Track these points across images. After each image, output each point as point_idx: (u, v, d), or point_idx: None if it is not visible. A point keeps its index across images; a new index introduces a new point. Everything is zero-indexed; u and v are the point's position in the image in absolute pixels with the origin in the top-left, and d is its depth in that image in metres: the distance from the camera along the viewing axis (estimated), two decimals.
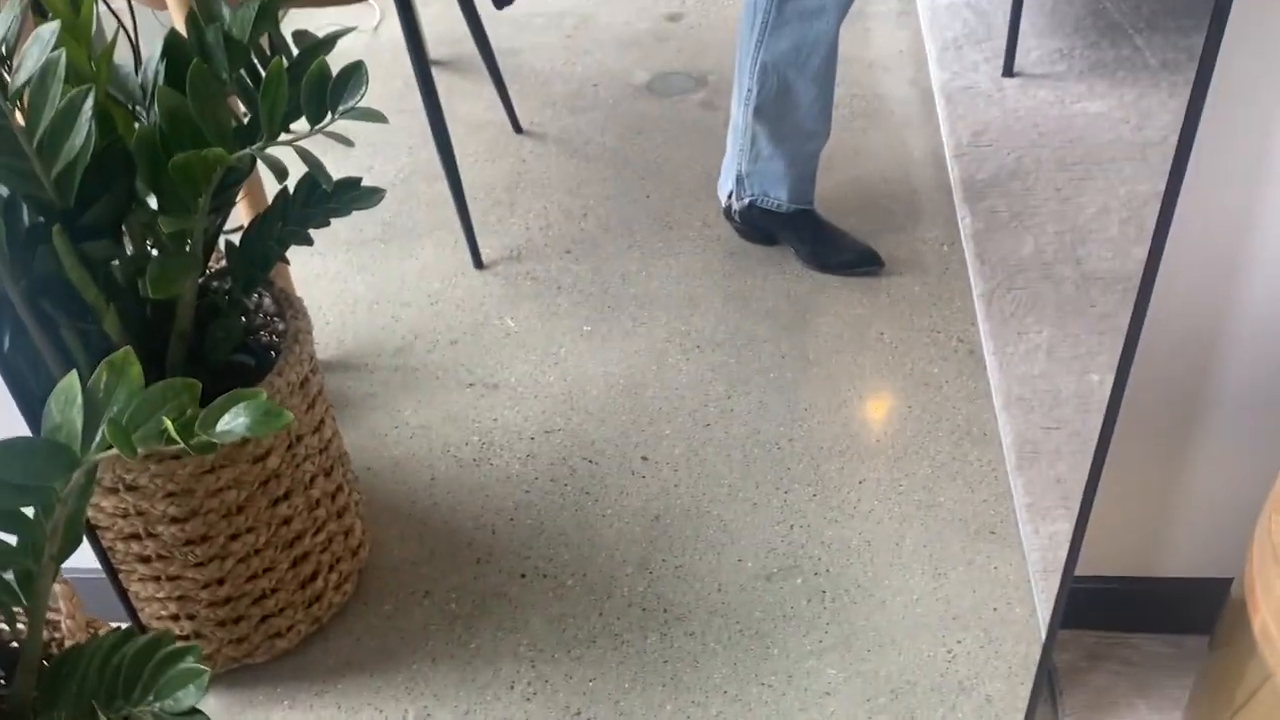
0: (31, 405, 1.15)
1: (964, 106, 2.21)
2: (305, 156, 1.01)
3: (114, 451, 0.80)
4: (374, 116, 1.03)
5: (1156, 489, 1.28)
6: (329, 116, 1.03)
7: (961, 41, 2.36)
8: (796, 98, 1.83)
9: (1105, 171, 2.06)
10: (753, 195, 1.93)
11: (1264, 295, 1.10)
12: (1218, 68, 0.93)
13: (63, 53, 1.02)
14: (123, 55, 1.94)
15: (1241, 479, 1.23)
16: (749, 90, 1.83)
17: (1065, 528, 1.49)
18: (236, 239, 1.28)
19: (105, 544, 1.26)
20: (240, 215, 1.59)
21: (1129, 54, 2.32)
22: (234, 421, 0.77)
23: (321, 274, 1.98)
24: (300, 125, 1.13)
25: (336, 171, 1.12)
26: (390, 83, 2.35)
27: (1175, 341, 1.15)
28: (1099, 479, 1.24)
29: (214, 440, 0.77)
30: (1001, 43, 2.27)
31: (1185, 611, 1.37)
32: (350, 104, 1.02)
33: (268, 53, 1.23)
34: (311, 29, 1.24)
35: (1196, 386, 1.18)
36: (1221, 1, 0.90)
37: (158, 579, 1.31)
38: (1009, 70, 2.27)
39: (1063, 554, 1.35)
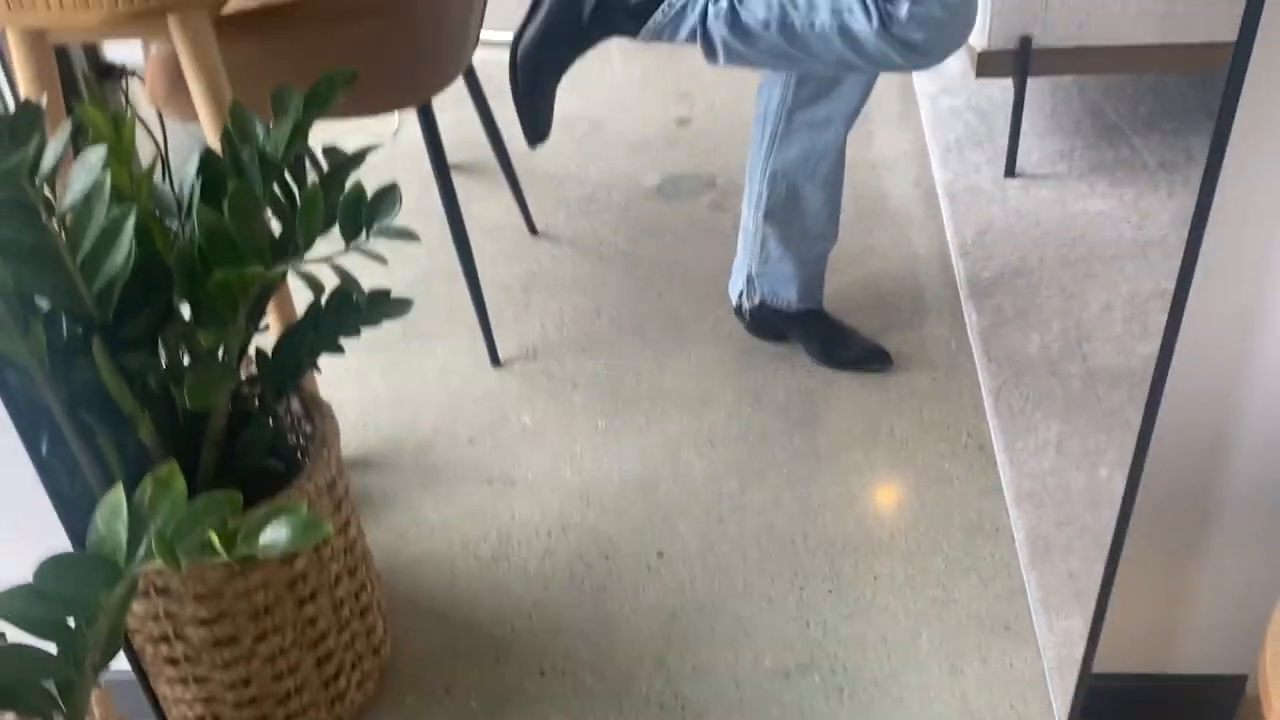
0: (68, 509, 1.18)
1: (967, 206, 2.27)
2: (341, 273, 1.05)
3: (158, 563, 0.83)
4: (407, 235, 1.08)
5: (1171, 585, 1.30)
6: (363, 234, 1.08)
7: (964, 143, 2.43)
8: (806, 203, 1.89)
9: (1108, 269, 2.11)
10: (763, 295, 1.98)
11: (1272, 393, 1.13)
12: (1224, 168, 0.98)
13: (108, 175, 1.07)
14: (149, 153, 2.00)
15: (1255, 576, 1.25)
16: (759, 195, 1.89)
17: (1079, 623, 1.51)
18: (264, 341, 1.33)
19: (135, 646, 1.29)
20: (269, 318, 1.63)
21: (1128, 154, 2.38)
22: (276, 534, 0.80)
23: (343, 373, 2.02)
24: (332, 236, 1.18)
25: (358, 275, 1.16)
26: (409, 186, 2.39)
27: (1185, 439, 1.17)
28: (1114, 576, 1.27)
29: (256, 554, 0.80)
30: (1003, 144, 2.33)
31: (1202, 708, 1.38)
32: (385, 223, 1.07)
33: (297, 165, 1.28)
34: (334, 135, 1.29)
35: (1208, 483, 1.21)
36: (1228, 103, 0.95)
37: (185, 681, 1.33)
38: (1011, 171, 2.33)
39: (1077, 650, 1.37)
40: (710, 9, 1.53)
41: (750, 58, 1.58)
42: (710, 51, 1.59)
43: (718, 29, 1.54)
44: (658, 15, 1.55)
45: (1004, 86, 2.46)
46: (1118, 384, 1.89)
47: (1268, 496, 1.20)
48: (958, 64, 2.58)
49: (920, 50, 1.49)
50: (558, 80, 1.63)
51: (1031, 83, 2.46)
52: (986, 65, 2.19)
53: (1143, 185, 2.30)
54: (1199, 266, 0.97)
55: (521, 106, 1.62)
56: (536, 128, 1.64)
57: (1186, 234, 0.97)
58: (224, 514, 0.86)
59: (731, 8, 1.52)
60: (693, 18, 1.55)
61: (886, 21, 1.45)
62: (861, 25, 1.47)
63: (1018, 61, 2.17)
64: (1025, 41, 2.15)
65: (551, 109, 1.65)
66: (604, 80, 2.77)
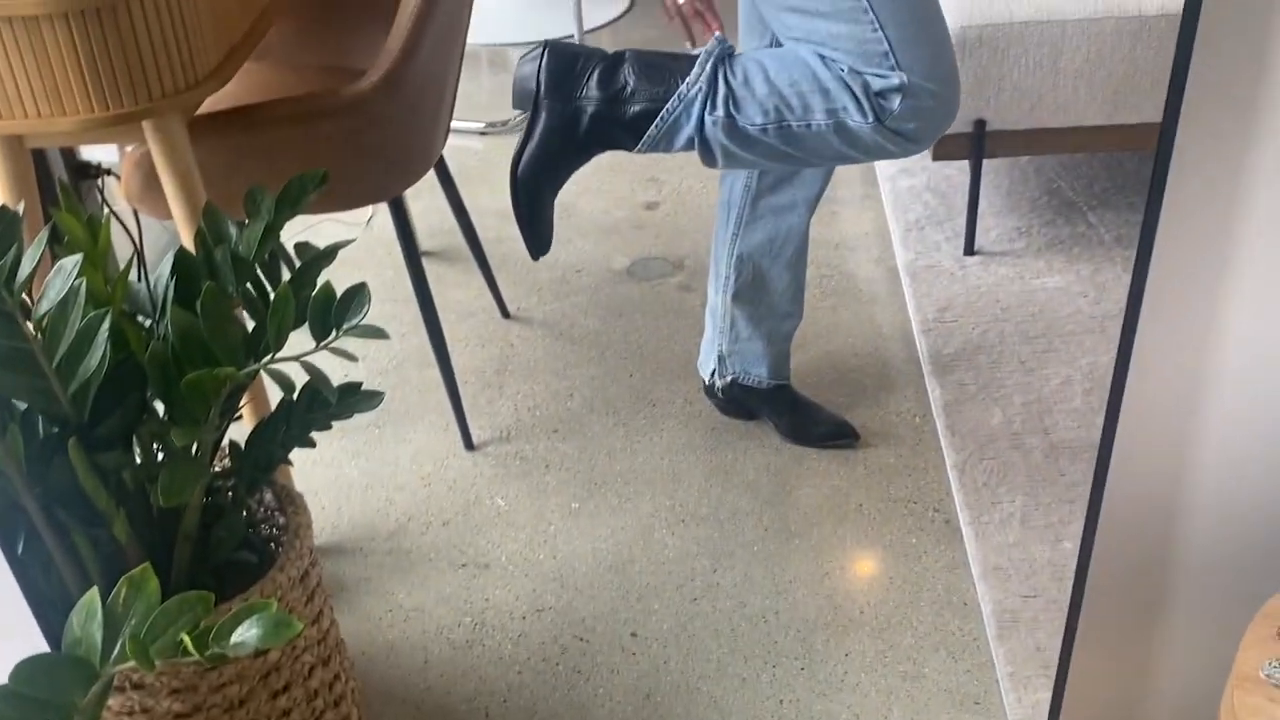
0: (44, 608, 1.19)
1: (928, 284, 2.33)
2: (311, 370, 1.08)
3: (132, 663, 0.85)
4: (376, 334, 1.11)
5: (1130, 657, 1.33)
6: (333, 334, 1.11)
7: (924, 222, 2.49)
8: (772, 284, 1.94)
9: (1067, 344, 2.16)
10: (735, 373, 2.02)
11: (1218, 463, 1.17)
12: (1156, 247, 1.03)
13: (84, 281, 1.11)
14: (125, 250, 2.04)
15: (1213, 646, 1.28)
16: (727, 278, 1.93)
17: (1047, 696, 1.53)
18: (237, 431, 1.35)
19: None
20: (242, 409, 1.66)
21: (1084, 230, 2.45)
22: (247, 633, 0.83)
23: (316, 460, 2.04)
24: (304, 332, 1.21)
25: (330, 362, 1.18)
26: (382, 273, 2.46)
27: (1136, 514, 1.21)
28: (1072, 649, 1.30)
29: (227, 653, 0.82)
30: (961, 223, 2.40)
31: None
32: (354, 322, 1.10)
33: (269, 263, 1.32)
34: (309, 224, 1.33)
35: (1161, 556, 1.24)
36: (1158, 182, 1.00)
37: None
38: (970, 249, 2.39)
39: None
40: (707, 118, 1.56)
41: (748, 160, 1.62)
42: (709, 158, 1.62)
43: (715, 136, 1.57)
44: (652, 130, 1.58)
45: (961, 167, 2.53)
46: (1079, 457, 1.93)
47: (1219, 568, 1.24)
48: None
49: (912, 138, 1.54)
50: (556, 194, 1.67)
51: (988, 163, 2.54)
52: (942, 149, 2.25)
53: (1099, 260, 2.36)
54: (1136, 345, 1.01)
55: (524, 223, 1.65)
56: (540, 242, 1.67)
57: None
58: (197, 615, 0.89)
59: (729, 115, 1.55)
60: (688, 128, 1.57)
61: (881, 116, 1.51)
62: (857, 122, 1.52)
63: (973, 144, 2.24)
64: (979, 125, 2.22)
65: (552, 222, 1.68)
66: None
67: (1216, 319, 1.07)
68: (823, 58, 1.51)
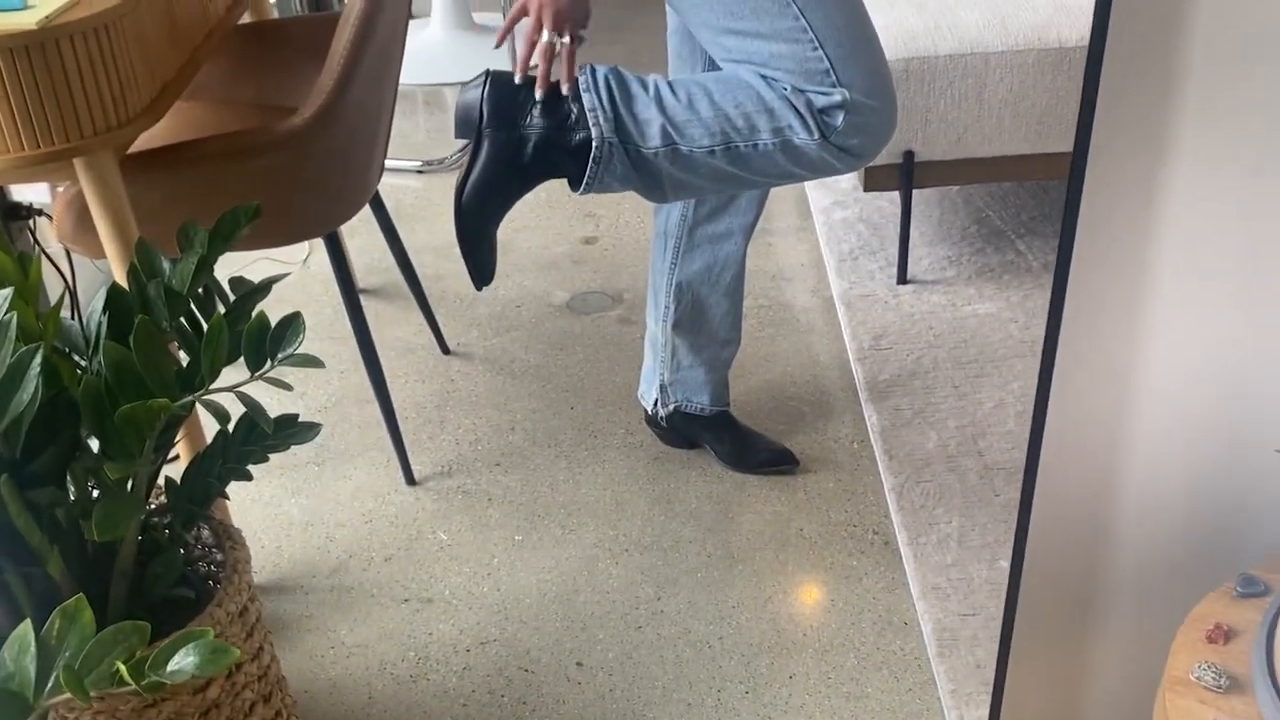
0: None
1: (863, 313, 2.36)
2: (246, 401, 1.08)
3: (66, 696, 0.84)
4: (311, 362, 1.11)
5: (1066, 669, 1.35)
6: (268, 364, 1.12)
7: (857, 253, 2.54)
8: (711, 311, 1.96)
9: (998, 368, 2.20)
10: (677, 402, 2.04)
11: (1142, 477, 1.20)
12: (1072, 274, 1.06)
13: (14, 317, 1.10)
14: (58, 292, 2.02)
15: (1144, 654, 1.31)
16: (667, 308, 1.95)
17: (988, 713, 1.55)
18: (174, 470, 1.34)
19: None
20: (178, 447, 1.65)
21: (1013, 258, 2.51)
22: (183, 661, 0.82)
23: (256, 499, 2.02)
24: (239, 365, 1.21)
25: (270, 397, 1.19)
26: (321, 311, 2.46)
27: (1065, 529, 1.24)
28: (1007, 666, 1.32)
29: (164, 680, 0.81)
30: (894, 253, 2.44)
31: None
32: (289, 352, 1.10)
33: (204, 297, 1.32)
34: (246, 263, 1.33)
35: (1091, 569, 1.27)
36: (1071, 210, 1.04)
37: None
38: (902, 278, 2.43)
39: None
40: (643, 150, 1.55)
41: (695, 186, 1.61)
42: (655, 189, 1.61)
43: (661, 165, 1.57)
44: (590, 166, 1.56)
45: (893, 198, 2.58)
46: (1013, 478, 1.97)
47: (1148, 577, 1.27)
48: (848, 179, 2.71)
49: (856, 153, 1.56)
50: (499, 222, 1.65)
51: (919, 193, 2.59)
52: (873, 180, 2.30)
53: (1028, 287, 2.42)
54: (1057, 367, 1.04)
55: (468, 252, 1.62)
56: (483, 272, 1.64)
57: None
58: (132, 644, 0.88)
59: (671, 144, 1.55)
60: (620, 167, 1.57)
61: (826, 133, 1.52)
62: (803, 139, 1.53)
63: (902, 175, 2.29)
64: (908, 156, 2.27)
65: (495, 251, 1.65)
66: None
67: (1135, 339, 1.10)
68: (765, 78, 1.52)
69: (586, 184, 1.58)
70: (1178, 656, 1.14)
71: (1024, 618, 1.26)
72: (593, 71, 1.58)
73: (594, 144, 1.55)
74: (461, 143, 3.05)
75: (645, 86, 1.57)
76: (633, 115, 1.55)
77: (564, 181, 1.61)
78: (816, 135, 1.52)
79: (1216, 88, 0.99)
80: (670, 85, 1.57)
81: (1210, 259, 1.06)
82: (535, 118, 1.58)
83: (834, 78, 1.50)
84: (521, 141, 1.58)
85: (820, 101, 1.51)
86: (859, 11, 1.54)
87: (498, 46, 1.61)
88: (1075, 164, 1.01)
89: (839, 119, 1.51)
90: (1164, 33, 0.97)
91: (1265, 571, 1.19)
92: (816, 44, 1.48)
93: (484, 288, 1.65)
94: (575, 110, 1.56)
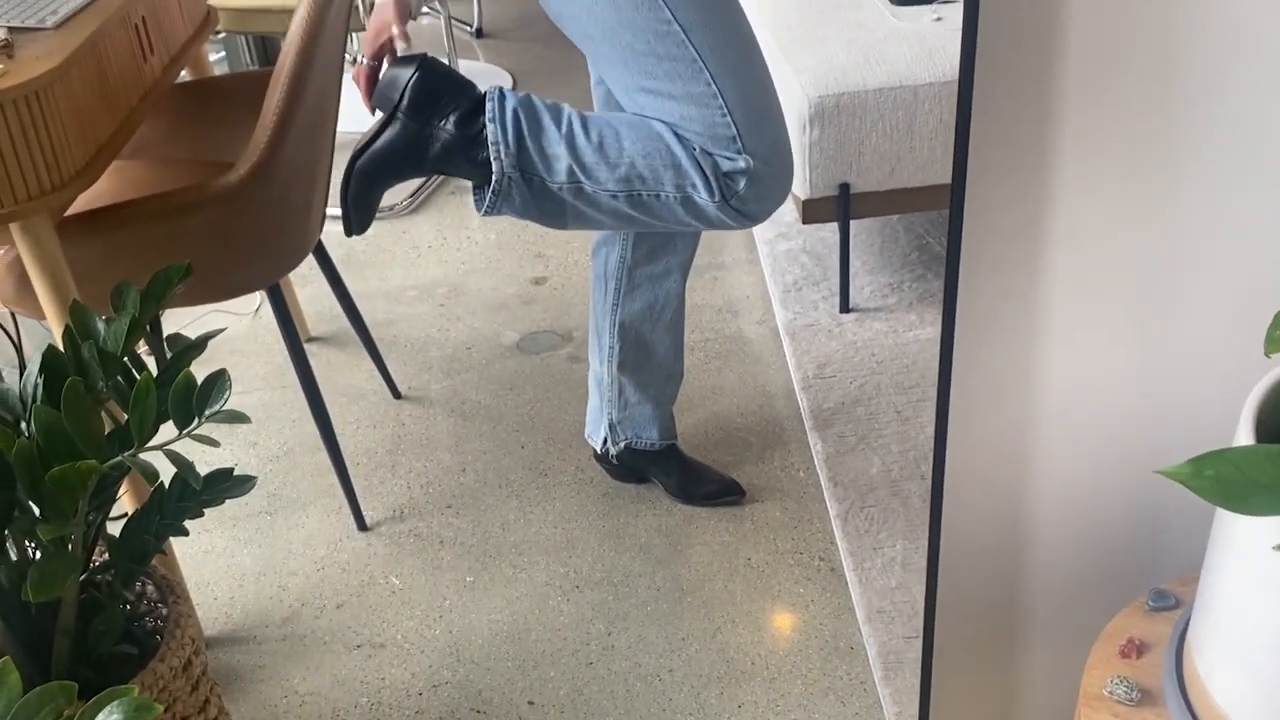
0: None
1: (807, 342, 2.41)
2: (174, 459, 1.11)
3: None
4: (238, 418, 1.14)
5: (991, 694, 1.38)
6: (196, 421, 1.14)
7: (801, 284, 2.58)
8: (655, 347, 2.00)
9: None
10: (627, 439, 2.07)
11: (1048, 498, 1.23)
12: (960, 298, 1.10)
13: None
14: (7, 354, 2.04)
15: (1064, 676, 1.34)
16: (611, 348, 1.99)
17: None
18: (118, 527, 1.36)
19: None
20: (125, 504, 1.67)
21: None
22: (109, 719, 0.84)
23: (209, 550, 2.04)
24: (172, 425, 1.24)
25: (223, 446, 1.20)
26: (272, 360, 2.48)
27: (976, 553, 1.26)
28: (930, 694, 1.35)
29: None
30: (836, 282, 2.49)
31: None
32: (215, 409, 1.13)
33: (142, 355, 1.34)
34: (197, 315, 1.35)
35: (1007, 590, 1.30)
36: (952, 244, 1.08)
37: None
38: (845, 307, 2.48)
39: None
40: (548, 183, 1.59)
41: (595, 221, 1.65)
42: (556, 218, 1.64)
43: (565, 198, 1.60)
44: (490, 194, 1.60)
45: (835, 229, 2.62)
46: None
47: (1064, 596, 1.30)
48: (790, 211, 2.75)
49: (752, 215, 1.61)
50: (384, 191, 1.67)
51: (860, 222, 2.64)
52: (811, 212, 2.35)
53: None
54: (953, 393, 1.08)
55: (347, 207, 1.64)
56: (359, 225, 1.67)
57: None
58: (59, 705, 0.90)
59: (576, 182, 1.59)
60: (518, 200, 1.61)
61: (726, 195, 1.57)
62: (704, 199, 1.58)
63: (839, 207, 2.34)
64: (844, 188, 2.32)
65: (375, 210, 1.68)
66: (462, 246, 2.89)
67: (1030, 358, 1.14)
68: (677, 134, 1.57)
69: (486, 209, 1.62)
70: (1092, 672, 1.17)
71: (944, 641, 1.29)
72: (501, 100, 1.60)
73: (493, 176, 1.59)
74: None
75: (558, 121, 1.59)
76: (540, 148, 1.58)
77: (513, 224, 1.64)
78: (717, 197, 1.57)
79: (1091, 106, 1.03)
80: (584, 122, 1.59)
81: (1099, 273, 1.10)
82: (449, 122, 1.60)
83: (740, 144, 1.54)
84: (429, 139, 1.60)
85: (725, 166, 1.55)
86: (767, 82, 1.60)
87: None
88: (955, 185, 1.05)
89: (740, 184, 1.56)
90: (1037, 51, 1.01)
91: (1176, 585, 1.23)
92: (725, 110, 1.53)
93: (354, 236, 1.67)
94: (488, 129, 1.59)
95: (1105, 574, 1.27)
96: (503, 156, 1.57)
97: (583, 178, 1.58)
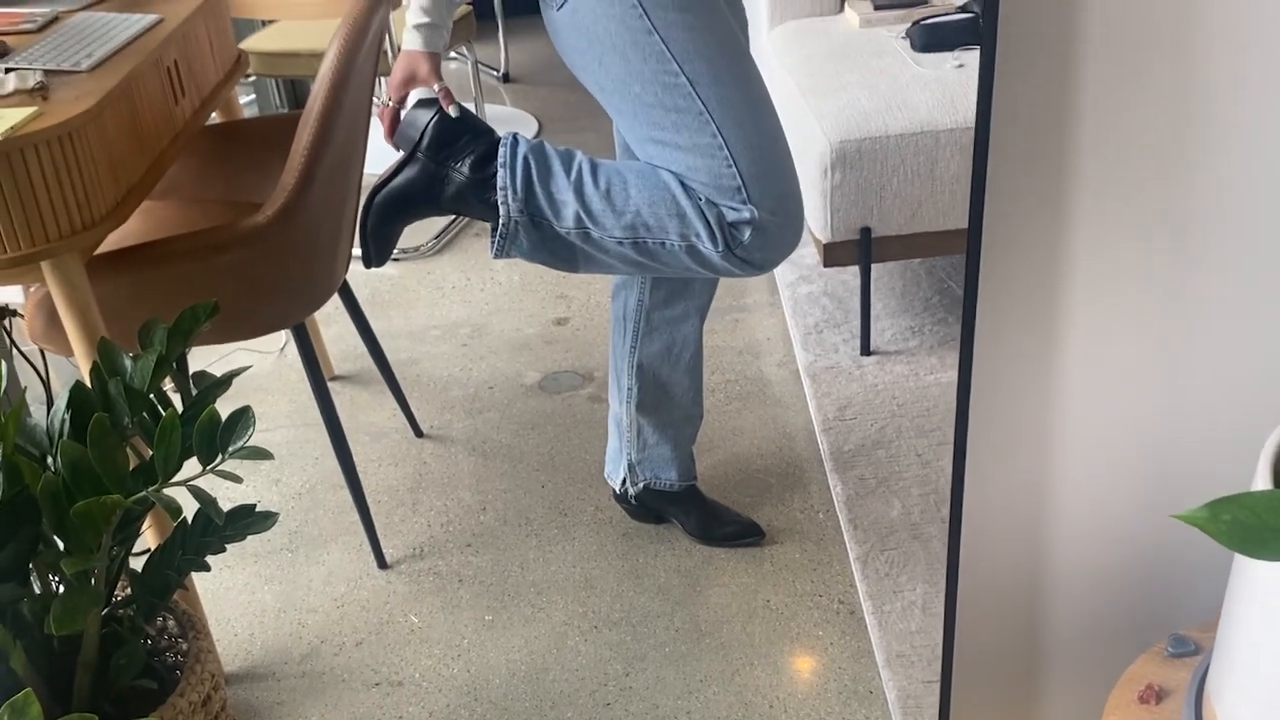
0: None
1: (828, 385, 2.41)
2: (198, 495, 1.12)
3: None
4: (261, 455, 1.15)
5: None
6: (220, 458, 1.16)
7: (822, 326, 2.59)
8: (673, 390, 2.01)
9: None
10: (646, 480, 2.08)
11: (1066, 542, 1.22)
12: (977, 342, 1.11)
13: None
14: (36, 391, 2.07)
15: (1083, 716, 1.33)
16: (629, 389, 2.00)
17: None
18: (139, 561, 1.38)
19: None
20: (148, 539, 1.68)
21: None
22: None
23: (230, 586, 2.05)
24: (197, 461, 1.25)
25: (246, 483, 1.22)
26: (297, 398, 2.50)
27: (994, 596, 1.26)
28: None
29: None
30: (857, 325, 2.49)
31: None
32: (239, 445, 1.15)
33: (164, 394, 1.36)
34: (224, 353, 1.37)
35: (1027, 635, 1.29)
36: (970, 285, 1.08)
37: None
38: (866, 349, 2.48)
39: None
40: (556, 227, 1.62)
41: (605, 265, 1.68)
42: (567, 261, 1.67)
43: (574, 242, 1.63)
44: (498, 238, 1.63)
45: (856, 272, 2.63)
46: None
47: (1084, 641, 1.29)
48: (810, 253, 2.77)
49: (758, 265, 1.63)
50: (404, 228, 1.71)
51: (882, 266, 2.65)
52: (832, 255, 2.36)
53: None
54: (970, 437, 1.08)
55: (365, 240, 1.68)
56: (378, 258, 1.70)
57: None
58: None
59: (583, 228, 1.62)
60: (526, 244, 1.64)
61: (731, 245, 1.59)
62: (708, 249, 1.60)
63: (860, 250, 2.35)
64: (865, 232, 2.33)
65: (394, 244, 1.72)
66: (485, 286, 2.91)
67: (1047, 403, 1.14)
68: (683, 184, 1.59)
69: (495, 251, 1.66)
70: (1111, 718, 1.16)
71: (962, 685, 1.28)
72: (514, 146, 1.64)
73: (500, 220, 1.63)
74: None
75: (568, 168, 1.62)
76: (548, 194, 1.62)
77: (536, 265, 1.67)
78: (721, 246, 1.58)
79: (1107, 156, 1.04)
80: (594, 170, 1.62)
81: (1116, 318, 1.11)
82: (465, 164, 1.64)
83: (744, 195, 1.56)
84: (444, 180, 1.65)
85: (730, 216, 1.57)
86: (776, 134, 1.61)
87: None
88: (971, 232, 1.06)
89: (745, 234, 1.58)
90: (1052, 104, 1.02)
91: (1196, 631, 1.22)
92: (731, 161, 1.55)
93: (372, 268, 1.71)
94: (500, 174, 1.63)
95: (1124, 619, 1.26)
96: (510, 201, 1.61)
97: (589, 224, 1.61)
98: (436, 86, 1.65)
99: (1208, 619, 1.23)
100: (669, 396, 2.01)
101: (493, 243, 1.66)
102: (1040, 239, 1.06)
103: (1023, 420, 1.12)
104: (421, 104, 1.67)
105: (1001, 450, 1.14)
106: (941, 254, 2.42)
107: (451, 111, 1.65)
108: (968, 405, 1.06)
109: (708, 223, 1.57)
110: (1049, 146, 1.03)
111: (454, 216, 3.06)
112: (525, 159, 1.62)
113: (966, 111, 2.27)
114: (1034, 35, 0.96)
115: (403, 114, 1.68)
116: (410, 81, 1.66)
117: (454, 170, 1.64)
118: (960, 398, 1.07)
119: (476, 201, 1.65)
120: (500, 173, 1.62)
